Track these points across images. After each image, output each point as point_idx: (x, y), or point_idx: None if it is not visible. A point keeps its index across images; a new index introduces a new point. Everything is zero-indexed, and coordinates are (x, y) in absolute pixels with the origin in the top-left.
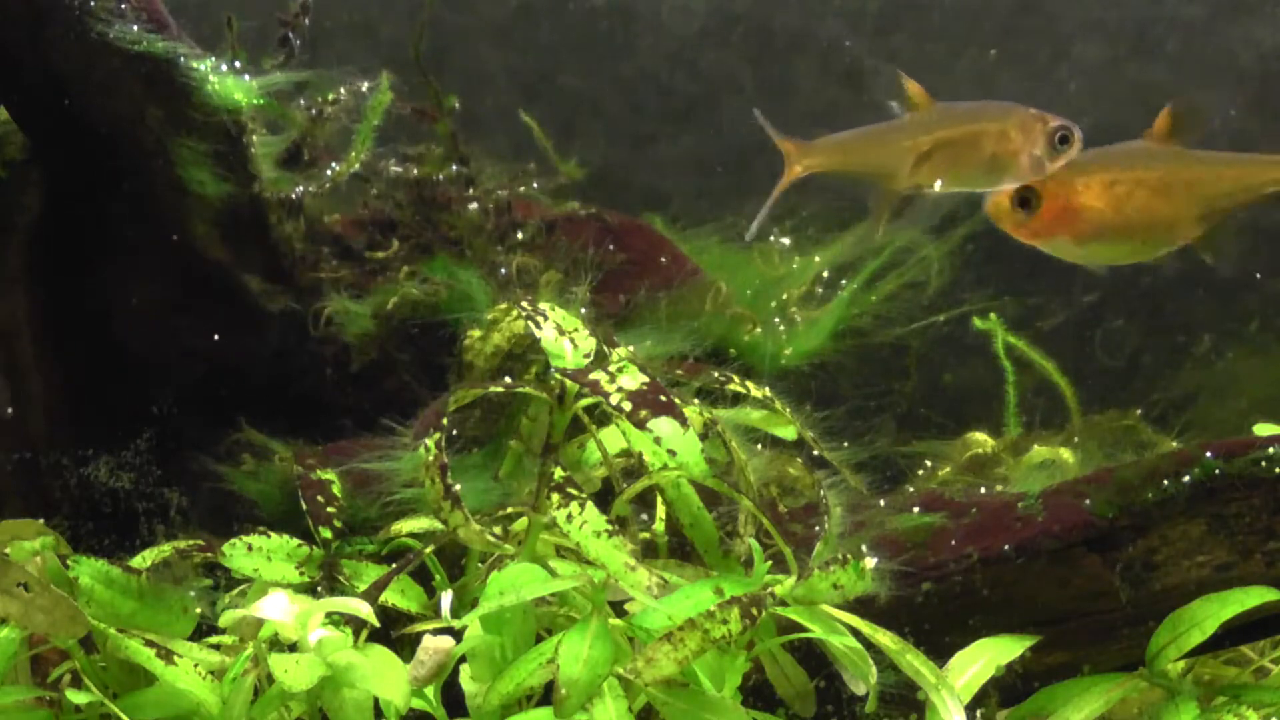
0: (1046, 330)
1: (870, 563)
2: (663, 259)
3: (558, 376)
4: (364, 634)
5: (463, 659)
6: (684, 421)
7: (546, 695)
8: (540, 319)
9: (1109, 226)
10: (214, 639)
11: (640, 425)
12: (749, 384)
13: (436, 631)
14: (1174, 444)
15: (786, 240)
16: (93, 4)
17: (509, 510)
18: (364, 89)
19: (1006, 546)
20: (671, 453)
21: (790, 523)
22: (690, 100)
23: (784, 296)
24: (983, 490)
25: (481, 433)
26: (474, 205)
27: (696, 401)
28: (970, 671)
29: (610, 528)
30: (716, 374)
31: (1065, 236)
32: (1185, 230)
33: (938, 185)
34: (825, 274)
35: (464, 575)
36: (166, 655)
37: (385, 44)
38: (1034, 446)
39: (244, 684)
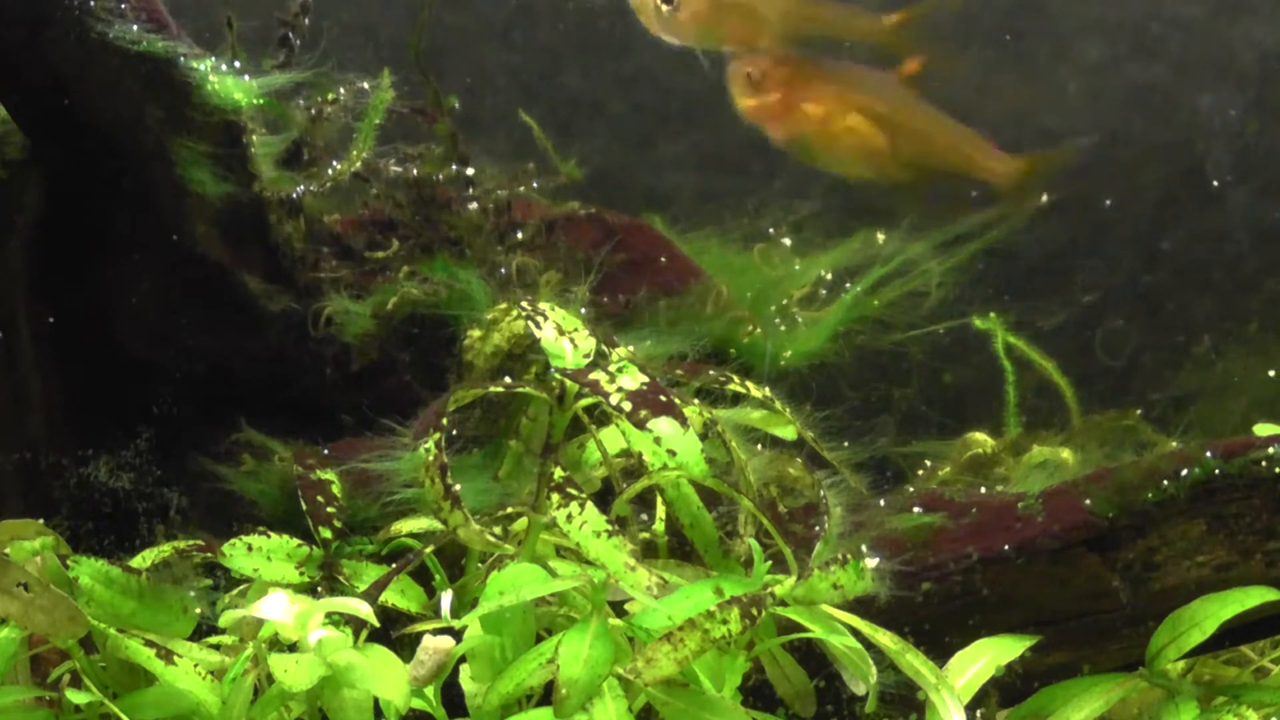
0: (1046, 330)
1: (870, 563)
2: (663, 259)
3: (558, 376)
4: (364, 634)
5: (463, 659)
6: (684, 421)
7: (546, 695)
8: (540, 319)
9: (819, 136)
10: (214, 639)
11: (640, 425)
12: (749, 384)
13: (436, 631)
14: (1174, 444)
15: (787, 241)
16: (93, 4)
17: (509, 510)
18: (364, 88)
19: (1006, 546)
20: (671, 453)
21: (790, 523)
22: (690, 100)
23: (784, 300)
24: (983, 490)
25: (481, 433)
26: (474, 205)
27: (696, 401)
28: (970, 671)
29: (610, 528)
30: (716, 374)
31: (778, 128)
32: (891, 172)
33: None
34: (827, 276)
35: (464, 575)
36: (166, 655)
37: (385, 44)
38: (1034, 446)
39: (244, 684)
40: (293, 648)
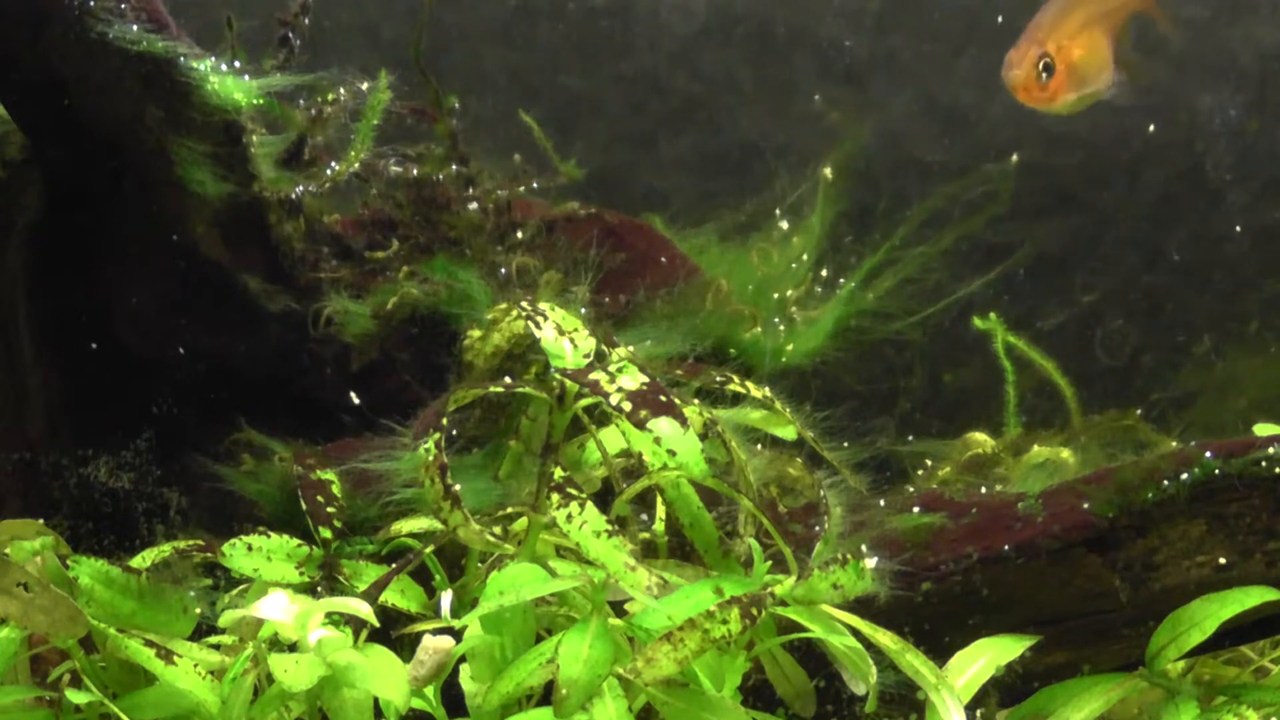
0: (1046, 330)
1: (870, 563)
2: (663, 259)
3: (558, 376)
4: (364, 634)
5: (462, 659)
6: (684, 421)
7: (546, 695)
8: (540, 319)
9: (1091, 74)
10: (214, 639)
11: (640, 425)
12: (749, 384)
13: (436, 631)
14: (1174, 444)
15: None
16: (93, 4)
17: (509, 510)
18: (364, 89)
19: (1006, 546)
20: (671, 453)
21: (790, 523)
22: (690, 100)
23: (784, 295)
24: (983, 490)
25: (481, 433)
26: (474, 205)
27: (696, 401)
28: (970, 671)
29: (610, 528)
30: (716, 374)
31: (1069, 94)
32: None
33: None
34: (824, 273)
35: (464, 575)
36: (166, 655)
37: (385, 44)
38: (1034, 446)
39: (244, 684)
40: (293, 648)
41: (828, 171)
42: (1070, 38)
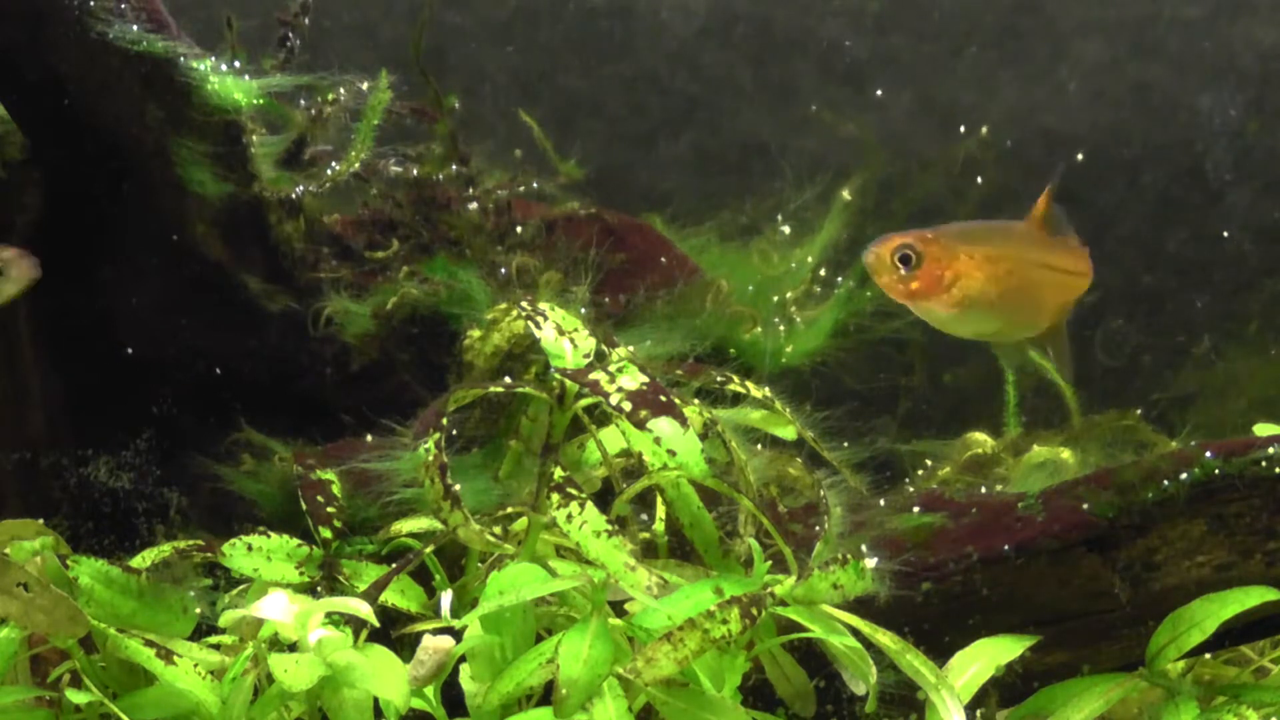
0: None
1: (870, 563)
2: (663, 259)
3: (558, 376)
4: (364, 634)
5: (462, 659)
6: (684, 421)
7: (546, 695)
8: (540, 319)
9: (982, 300)
10: (214, 639)
11: (640, 425)
12: (749, 384)
13: (436, 631)
14: (1174, 444)
15: (786, 229)
16: (93, 4)
17: (509, 510)
18: (364, 89)
19: (1006, 546)
20: (671, 453)
21: (790, 523)
22: (690, 100)
23: (783, 296)
24: (983, 490)
25: (481, 433)
26: (474, 205)
27: (696, 401)
28: (970, 671)
29: (610, 528)
30: (716, 374)
31: (938, 303)
32: (1039, 321)
33: None
34: (823, 272)
35: (464, 575)
36: (166, 655)
37: (385, 44)
38: (1034, 446)
39: (244, 684)
40: (293, 648)
41: (846, 194)
42: None
